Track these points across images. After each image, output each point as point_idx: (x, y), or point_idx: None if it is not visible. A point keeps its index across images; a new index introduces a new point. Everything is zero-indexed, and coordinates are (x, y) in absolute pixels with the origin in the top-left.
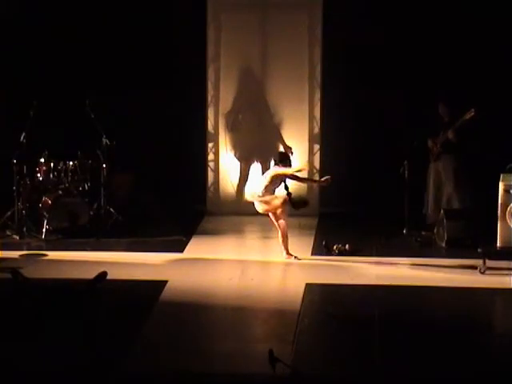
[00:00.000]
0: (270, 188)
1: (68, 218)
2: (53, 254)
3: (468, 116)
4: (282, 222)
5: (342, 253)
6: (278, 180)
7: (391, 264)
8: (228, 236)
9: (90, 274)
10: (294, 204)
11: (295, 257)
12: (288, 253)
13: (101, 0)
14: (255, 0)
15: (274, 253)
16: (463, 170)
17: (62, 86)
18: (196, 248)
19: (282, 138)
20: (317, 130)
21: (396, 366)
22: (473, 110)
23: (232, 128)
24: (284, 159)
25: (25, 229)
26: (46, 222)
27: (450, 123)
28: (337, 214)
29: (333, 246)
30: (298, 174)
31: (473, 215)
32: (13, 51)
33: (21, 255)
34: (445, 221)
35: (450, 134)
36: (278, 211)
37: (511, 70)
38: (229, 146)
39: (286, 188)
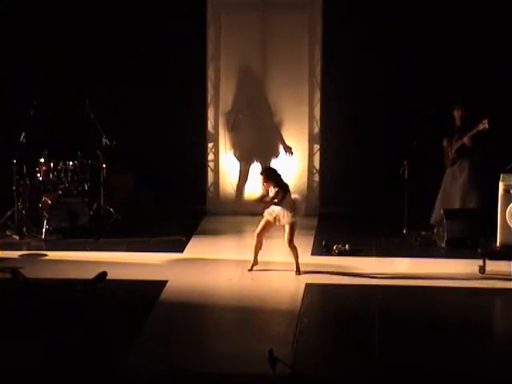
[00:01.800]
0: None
1: (68, 218)
2: (53, 254)
3: (481, 127)
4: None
5: (341, 253)
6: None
7: (391, 264)
8: (228, 236)
9: (90, 274)
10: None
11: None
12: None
13: (101, 0)
14: (255, 0)
15: (273, 253)
16: (479, 170)
17: (61, 86)
18: (196, 248)
19: (282, 137)
20: (317, 130)
21: (396, 365)
22: (486, 121)
23: (232, 128)
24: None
25: (25, 229)
26: (45, 222)
27: (462, 128)
28: (337, 214)
29: (333, 246)
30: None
31: (473, 215)
32: (13, 51)
33: (21, 255)
34: (445, 221)
35: (467, 140)
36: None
37: None
38: (229, 146)
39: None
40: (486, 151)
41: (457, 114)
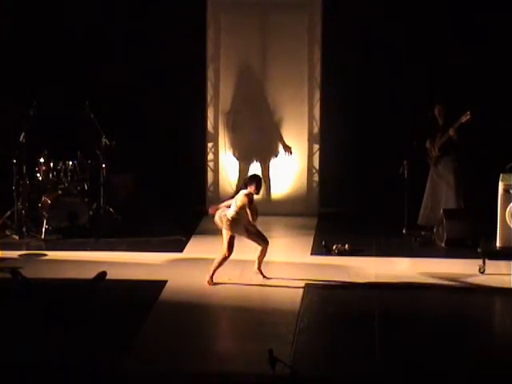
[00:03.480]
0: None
1: (67, 218)
2: (52, 254)
3: (464, 119)
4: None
5: (341, 253)
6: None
7: (391, 264)
8: None
9: (90, 274)
10: None
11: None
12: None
13: (100, 1)
14: (255, 0)
15: (273, 253)
16: (462, 171)
17: (62, 85)
18: (196, 248)
19: (281, 137)
20: (316, 129)
21: (396, 365)
22: (468, 112)
23: (233, 129)
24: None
25: (25, 229)
26: (45, 221)
27: (445, 126)
28: (337, 214)
29: (332, 246)
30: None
31: (473, 215)
32: (13, 51)
33: (21, 255)
34: (444, 221)
35: (452, 132)
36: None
37: (509, 69)
38: (228, 146)
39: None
40: (469, 150)
41: (437, 112)
